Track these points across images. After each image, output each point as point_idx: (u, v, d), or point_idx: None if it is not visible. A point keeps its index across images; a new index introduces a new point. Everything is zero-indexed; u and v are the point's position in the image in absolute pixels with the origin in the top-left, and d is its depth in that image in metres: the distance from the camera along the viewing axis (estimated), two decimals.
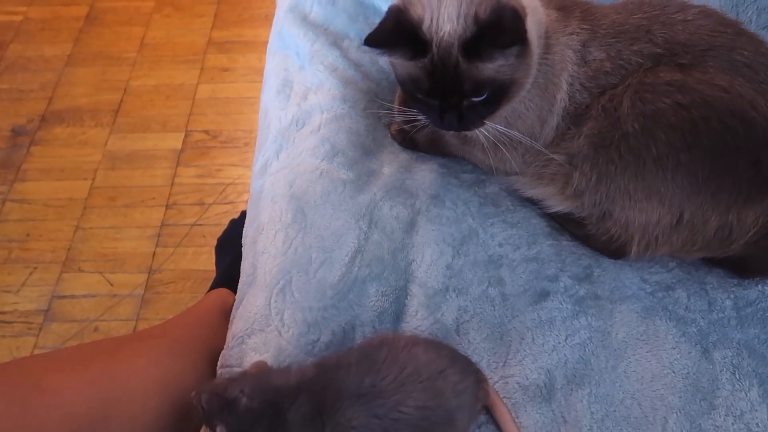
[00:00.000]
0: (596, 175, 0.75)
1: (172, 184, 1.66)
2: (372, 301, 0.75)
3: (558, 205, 0.81)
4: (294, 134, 0.92)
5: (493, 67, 0.71)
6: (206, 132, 1.78)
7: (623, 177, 0.73)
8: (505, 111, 0.77)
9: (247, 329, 0.74)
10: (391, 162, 0.89)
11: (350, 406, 0.59)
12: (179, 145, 1.74)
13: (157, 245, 1.55)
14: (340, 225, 0.80)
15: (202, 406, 0.61)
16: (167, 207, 1.62)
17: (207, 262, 1.52)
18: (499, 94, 0.73)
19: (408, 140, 0.91)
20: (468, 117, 0.74)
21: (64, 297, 1.47)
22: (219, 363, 0.74)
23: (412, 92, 0.75)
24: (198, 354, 0.73)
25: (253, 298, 0.76)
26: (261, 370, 0.67)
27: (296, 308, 0.75)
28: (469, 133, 0.80)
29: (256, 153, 0.99)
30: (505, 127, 0.79)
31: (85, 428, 0.56)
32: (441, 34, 0.70)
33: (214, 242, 1.41)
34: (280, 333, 0.73)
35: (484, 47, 0.69)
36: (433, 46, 0.70)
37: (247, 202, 1.59)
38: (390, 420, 0.58)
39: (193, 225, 1.59)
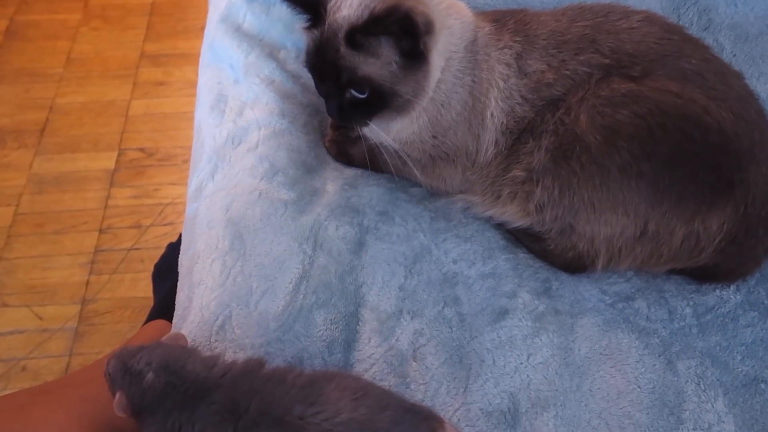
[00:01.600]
0: (558, 188, 0.72)
1: (106, 207, 1.56)
2: (320, 330, 0.70)
3: (517, 221, 0.77)
4: (230, 153, 0.85)
5: (370, 65, 0.70)
6: (141, 150, 1.68)
7: (586, 188, 0.71)
8: (421, 123, 0.77)
9: None
10: (335, 179, 0.84)
11: (268, 427, 0.55)
12: (112, 165, 1.64)
13: (90, 273, 1.44)
14: (283, 250, 0.74)
15: (109, 371, 0.59)
16: (101, 231, 1.52)
17: (146, 289, 1.42)
18: (379, 99, 0.73)
19: (342, 153, 0.87)
20: (349, 111, 0.74)
21: None
22: None
23: (305, 64, 0.76)
24: None
25: (191, 337, 0.69)
26: (180, 348, 0.63)
27: (237, 346, 0.68)
28: (406, 151, 0.78)
29: (190, 174, 0.92)
30: (432, 138, 0.78)
31: None
32: (337, 15, 0.71)
33: (153, 267, 1.32)
34: None
35: (361, 36, 0.69)
36: (326, 23, 0.71)
37: None
38: None
39: (129, 249, 1.49)
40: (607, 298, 0.75)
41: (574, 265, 0.76)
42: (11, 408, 0.60)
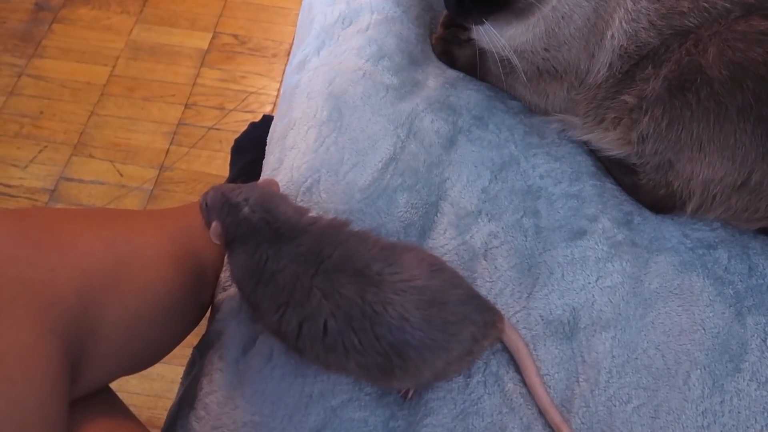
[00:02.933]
0: (668, 120, 0.70)
1: (194, 84, 1.61)
2: (401, 211, 0.72)
3: (615, 150, 0.76)
4: (339, 32, 0.86)
5: None
6: (235, 36, 1.71)
7: (698, 124, 0.68)
8: (537, 32, 0.74)
9: None
10: (438, 76, 0.84)
11: (347, 276, 0.57)
12: (205, 46, 1.68)
13: (171, 143, 1.51)
14: (378, 129, 0.75)
15: (206, 201, 0.62)
16: (186, 106, 1.57)
17: (221, 168, 1.48)
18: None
19: (446, 53, 0.86)
20: (467, 6, 0.72)
21: (71, 180, 1.43)
22: None
23: None
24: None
25: None
26: (275, 192, 0.66)
27: (321, 209, 0.71)
28: (512, 61, 0.76)
29: (294, 49, 0.93)
30: (544, 50, 0.75)
31: (96, 284, 0.53)
32: None
33: (230, 148, 1.37)
34: None
35: None
36: None
37: (268, 113, 1.54)
38: (371, 310, 0.56)
39: (210, 128, 1.54)
40: (688, 241, 0.74)
41: (663, 204, 0.75)
42: (115, 217, 0.65)
